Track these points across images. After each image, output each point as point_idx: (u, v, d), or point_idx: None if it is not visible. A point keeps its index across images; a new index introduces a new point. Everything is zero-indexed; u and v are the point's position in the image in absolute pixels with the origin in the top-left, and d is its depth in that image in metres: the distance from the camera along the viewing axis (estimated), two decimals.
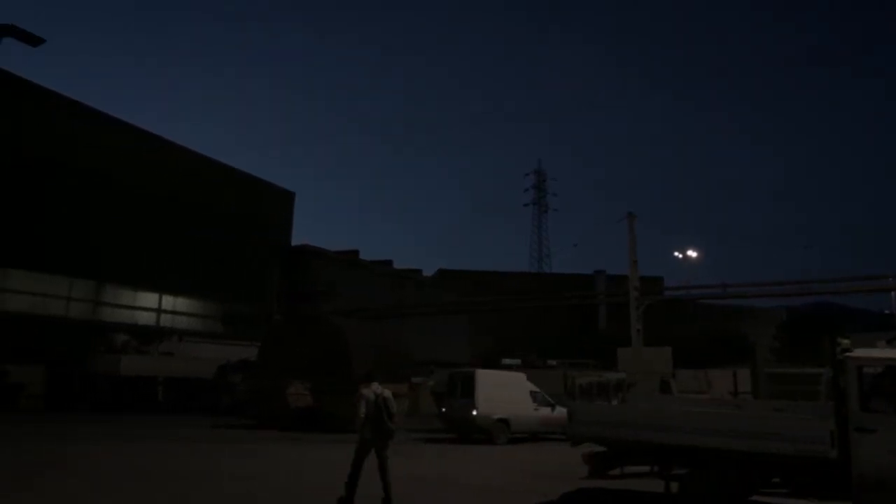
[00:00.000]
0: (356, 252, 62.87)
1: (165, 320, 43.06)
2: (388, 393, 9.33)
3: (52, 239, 36.15)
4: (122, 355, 31.34)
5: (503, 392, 19.73)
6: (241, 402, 29.59)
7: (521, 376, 21.45)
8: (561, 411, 20.73)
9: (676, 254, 44.87)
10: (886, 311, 47.36)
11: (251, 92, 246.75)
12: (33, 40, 34.58)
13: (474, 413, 19.13)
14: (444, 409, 20.34)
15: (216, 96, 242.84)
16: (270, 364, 25.55)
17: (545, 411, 20.13)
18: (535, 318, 65.84)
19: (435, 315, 55.66)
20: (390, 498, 8.88)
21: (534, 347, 52.87)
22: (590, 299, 57.76)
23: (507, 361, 42.88)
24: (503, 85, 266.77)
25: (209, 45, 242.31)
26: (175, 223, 43.36)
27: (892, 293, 37.19)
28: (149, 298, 42.46)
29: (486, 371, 21.05)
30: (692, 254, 44.38)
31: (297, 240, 56.40)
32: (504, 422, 19.35)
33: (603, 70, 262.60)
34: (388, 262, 66.33)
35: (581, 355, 46.47)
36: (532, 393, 20.50)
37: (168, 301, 43.57)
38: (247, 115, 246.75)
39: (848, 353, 8.37)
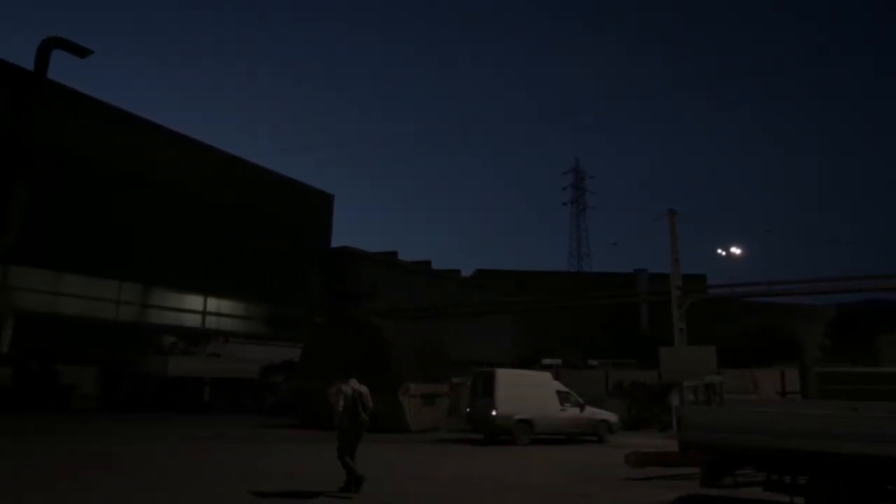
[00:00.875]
0: (395, 253, 63.31)
1: (211, 322, 44.08)
2: (363, 389, 10.61)
3: (102, 244, 37.38)
4: (169, 356, 32.06)
5: (526, 392, 19.29)
6: (285, 403, 30.17)
7: (546, 375, 21.10)
8: (592, 412, 20.50)
9: (719, 251, 44.07)
10: None
11: (289, 95, 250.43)
12: (81, 52, 35.97)
13: (493, 413, 18.90)
14: (468, 410, 20.13)
15: (254, 99, 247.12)
16: (313, 365, 25.89)
17: (573, 412, 19.77)
18: (575, 318, 65.38)
19: (475, 315, 55.70)
20: (360, 477, 9.99)
21: (575, 347, 52.53)
22: (631, 298, 56.98)
23: (547, 361, 42.69)
24: (541, 83, 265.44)
25: (244, 46, 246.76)
26: (218, 227, 44.41)
27: None
28: (194, 301, 43.54)
29: (507, 370, 20.55)
30: (735, 251, 43.55)
31: (336, 241, 57.11)
32: (527, 422, 18.97)
33: (643, 67, 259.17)
34: (427, 263, 66.64)
35: (622, 355, 45.99)
36: (560, 393, 19.97)
37: (213, 303, 44.62)
38: (284, 118, 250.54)
39: None
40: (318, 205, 56.00)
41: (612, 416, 21.28)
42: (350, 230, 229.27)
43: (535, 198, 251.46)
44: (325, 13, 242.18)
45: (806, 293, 36.39)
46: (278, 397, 32.36)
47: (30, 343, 30.08)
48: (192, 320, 42.99)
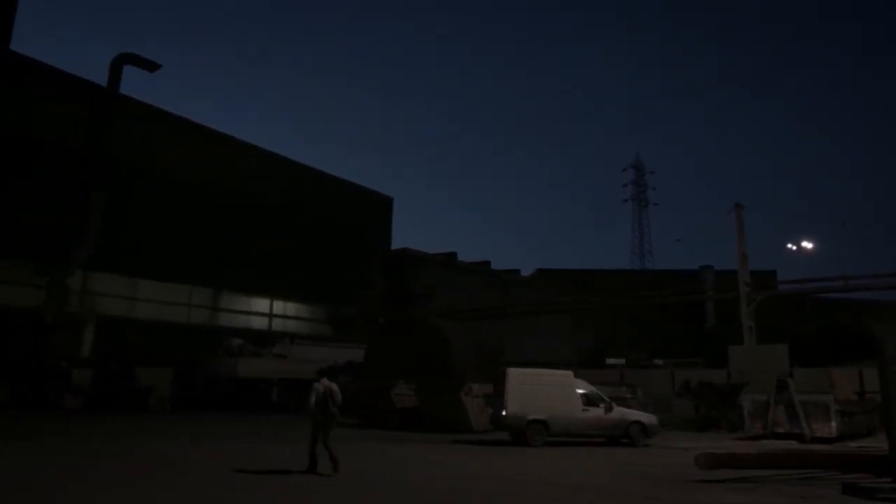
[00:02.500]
0: (454, 254, 63.57)
1: (277, 324, 45.35)
2: (335, 386, 12.21)
3: (174, 250, 38.98)
4: (239, 358, 33.01)
5: (541, 391, 18.61)
6: (350, 402, 30.65)
7: (568, 374, 19.80)
8: (623, 413, 19.13)
9: (790, 245, 42.53)
10: None
11: (346, 98, 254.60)
12: (151, 66, 37.50)
13: (503, 413, 18.57)
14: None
15: (310, 103, 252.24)
16: (375, 365, 26.31)
17: (597, 413, 18.77)
18: (638, 317, 64.16)
19: (535, 315, 55.36)
20: (337, 459, 11.43)
21: (638, 347, 51.56)
22: (696, 296, 55.46)
23: (611, 361, 42.10)
24: (598, 79, 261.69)
25: (297, 49, 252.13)
26: (283, 232, 45.72)
27: None
28: (261, 304, 44.89)
29: (520, 369, 19.67)
30: (807, 245, 41.95)
31: (396, 244, 57.81)
32: (541, 423, 18.31)
33: (703, 59, 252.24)
34: (486, 264, 66.64)
35: (688, 354, 44.92)
36: (584, 393, 19.13)
37: (279, 306, 45.90)
38: (342, 122, 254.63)
39: None
40: (378, 208, 56.85)
41: (648, 418, 19.74)
42: (409, 232, 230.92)
43: (595, 195, 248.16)
44: (381, 14, 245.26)
45: (885, 288, 34.79)
46: (344, 397, 32.90)
47: (109, 346, 31.59)
48: (259, 323, 44.35)
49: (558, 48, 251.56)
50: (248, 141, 47.20)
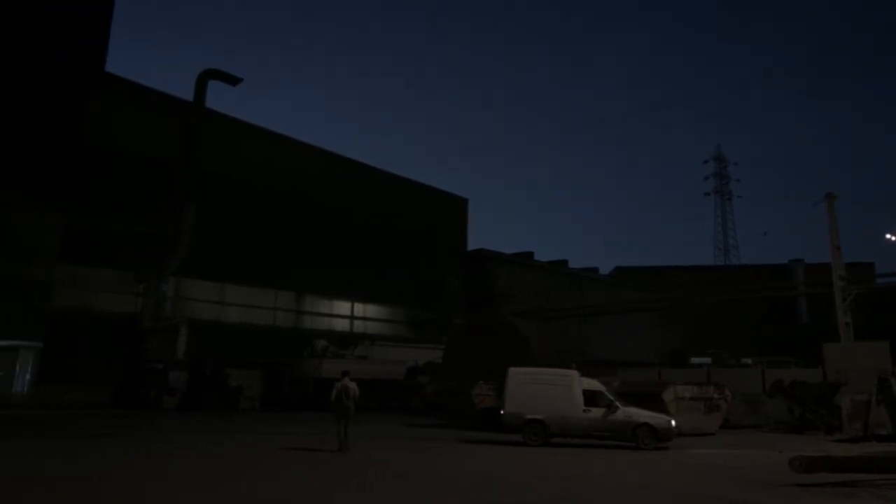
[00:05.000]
0: (531, 254, 63.30)
1: (358, 326, 46.43)
2: (351, 385, 15.28)
3: (259, 256, 40.59)
4: (322, 359, 33.90)
5: (540, 390, 18.24)
6: (430, 403, 31.07)
7: (570, 374, 18.93)
8: (629, 413, 17.91)
9: (889, 236, 40.08)
10: None
11: (421, 100, 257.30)
12: (233, 80, 39.12)
13: (501, 412, 18.56)
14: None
15: (384, 105, 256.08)
16: (455, 366, 26.52)
17: (598, 413, 17.84)
18: (723, 314, 62.06)
19: (616, 314, 54.44)
20: (348, 445, 14.77)
21: (726, 345, 49.84)
22: (786, 291, 53.14)
23: (696, 360, 40.91)
24: (674, 69, 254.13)
25: (368, 48, 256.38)
26: (362, 236, 46.84)
27: None
28: (342, 306, 46.07)
29: (522, 368, 19.20)
30: None
31: (473, 244, 58.04)
32: (538, 422, 18.03)
33: (790, 45, 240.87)
34: (564, 262, 66.05)
35: (779, 352, 43.09)
36: (589, 392, 18.23)
37: (359, 308, 46.99)
38: (416, 123, 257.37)
39: None
40: (454, 209, 57.25)
41: (659, 420, 18.01)
42: (486, 232, 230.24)
43: (674, 190, 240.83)
44: (454, 14, 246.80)
45: None
46: (423, 398, 33.37)
47: (201, 349, 33.16)
48: (340, 325, 45.55)
49: (631, 38, 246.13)
50: (325, 147, 48.62)
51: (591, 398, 18.15)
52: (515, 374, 19.14)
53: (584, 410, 17.95)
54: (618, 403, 18.01)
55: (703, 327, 62.79)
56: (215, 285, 39.30)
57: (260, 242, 40.70)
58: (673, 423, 18.04)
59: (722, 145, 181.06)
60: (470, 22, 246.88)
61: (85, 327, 32.38)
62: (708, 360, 40.47)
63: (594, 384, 18.75)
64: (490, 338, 26.97)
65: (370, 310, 47.77)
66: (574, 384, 18.48)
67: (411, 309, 49.76)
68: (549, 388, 18.46)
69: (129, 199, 35.20)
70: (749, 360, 40.07)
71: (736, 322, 62.71)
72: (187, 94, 37.44)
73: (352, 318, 46.51)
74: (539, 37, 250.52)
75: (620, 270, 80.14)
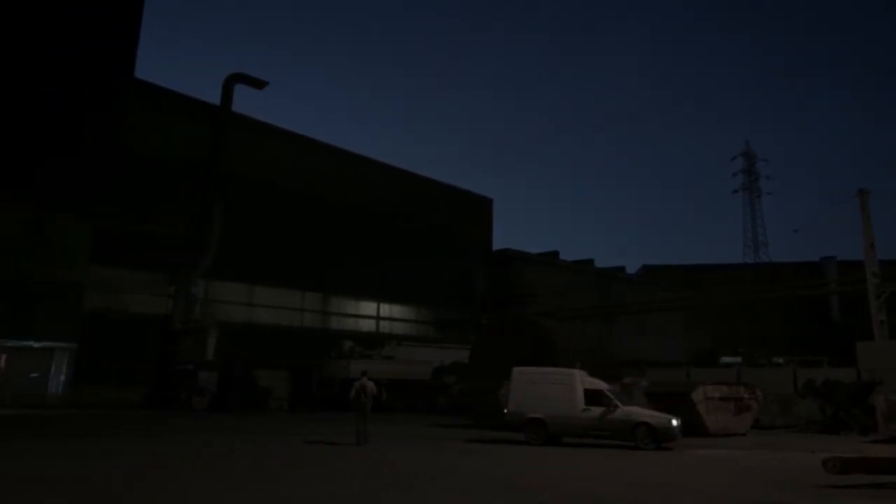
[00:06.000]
0: (556, 253, 62.98)
1: (384, 326, 46.63)
2: (368, 383, 16.95)
3: (286, 258, 41.00)
4: (350, 360, 34.13)
5: (541, 389, 18.42)
6: (456, 403, 31.11)
7: (573, 373, 18.72)
8: (629, 413, 17.63)
9: None
10: None
11: (446, 99, 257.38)
12: (259, 84, 39.55)
13: (504, 411, 19.09)
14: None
15: (408, 105, 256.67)
16: (481, 365, 26.48)
17: (597, 412, 17.63)
18: (754, 313, 61.14)
19: (644, 313, 53.94)
20: (367, 435, 16.49)
21: (757, 344, 49.08)
22: (819, 289, 52.03)
23: (726, 360, 40.35)
24: (699, 67, 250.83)
25: (389, 49, 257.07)
26: (387, 237, 47.07)
27: None
28: (368, 307, 46.31)
29: (525, 368, 19.27)
30: None
31: (498, 244, 57.97)
32: (538, 421, 18.16)
33: (820, 37, 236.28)
34: (590, 262, 65.59)
35: (811, 351, 42.30)
36: (592, 391, 18.04)
37: (385, 309, 47.19)
38: (439, 122, 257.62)
39: None
40: (478, 209, 57.22)
41: (660, 419, 17.52)
42: (511, 232, 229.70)
43: (702, 187, 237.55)
44: (472, 13, 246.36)
45: None
46: (450, 398, 33.42)
47: (231, 350, 33.59)
48: (367, 325, 45.80)
49: (656, 35, 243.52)
50: (348, 149, 48.95)
51: (594, 397, 18.06)
52: (518, 373, 19.47)
53: (584, 409, 17.91)
54: (618, 402, 17.86)
55: (734, 326, 61.96)
56: (244, 287, 39.77)
57: (285, 244, 41.10)
58: (675, 422, 17.48)
59: (752, 141, 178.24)
60: (504, 22, 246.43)
61: (117, 329, 32.99)
62: (738, 359, 39.91)
63: (597, 383, 18.63)
64: (517, 337, 26.83)
65: (396, 310, 47.96)
66: (575, 383, 18.45)
67: (437, 309, 49.85)
68: (549, 388, 18.61)
69: (158, 201, 35.80)
70: (780, 360, 39.42)
71: (767, 321, 61.75)
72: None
73: (378, 318, 46.74)
74: (562, 33, 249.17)
75: (648, 269, 79.37)
